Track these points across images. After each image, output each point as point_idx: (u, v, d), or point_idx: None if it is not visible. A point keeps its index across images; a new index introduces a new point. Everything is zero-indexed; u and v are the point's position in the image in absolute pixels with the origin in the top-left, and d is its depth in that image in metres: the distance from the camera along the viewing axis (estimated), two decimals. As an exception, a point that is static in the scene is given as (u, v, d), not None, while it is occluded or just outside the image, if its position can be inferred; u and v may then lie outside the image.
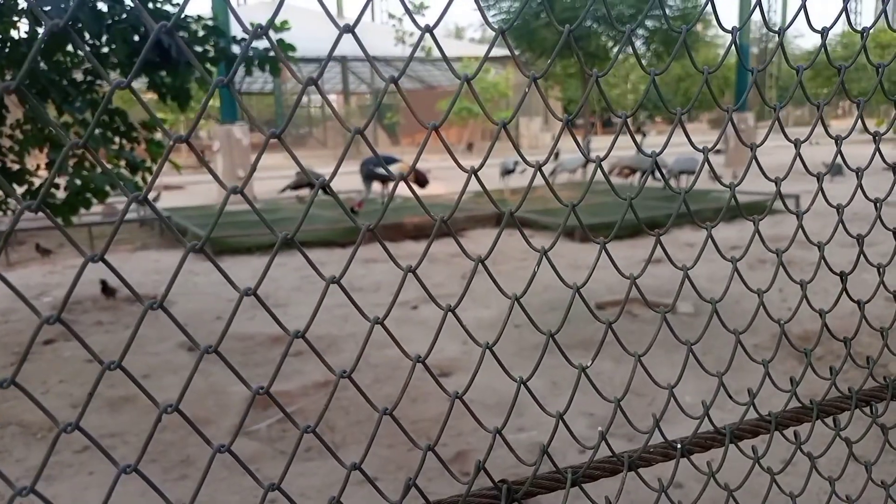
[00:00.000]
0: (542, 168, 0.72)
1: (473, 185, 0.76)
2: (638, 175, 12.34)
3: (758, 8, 0.83)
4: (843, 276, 0.95)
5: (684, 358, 0.86)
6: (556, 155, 13.37)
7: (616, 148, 0.93)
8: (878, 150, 0.90)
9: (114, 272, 0.57)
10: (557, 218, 8.60)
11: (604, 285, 5.34)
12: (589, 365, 0.85)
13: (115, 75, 5.09)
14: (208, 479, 2.82)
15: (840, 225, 0.90)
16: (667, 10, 17.70)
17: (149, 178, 5.30)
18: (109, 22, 4.58)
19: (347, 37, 0.61)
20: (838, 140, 0.90)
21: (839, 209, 0.92)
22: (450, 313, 0.74)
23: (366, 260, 7.14)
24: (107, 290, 5.69)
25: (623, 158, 12.35)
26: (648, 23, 18.44)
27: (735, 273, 0.84)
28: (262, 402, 3.69)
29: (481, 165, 0.65)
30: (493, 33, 0.70)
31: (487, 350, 0.78)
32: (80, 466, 3.02)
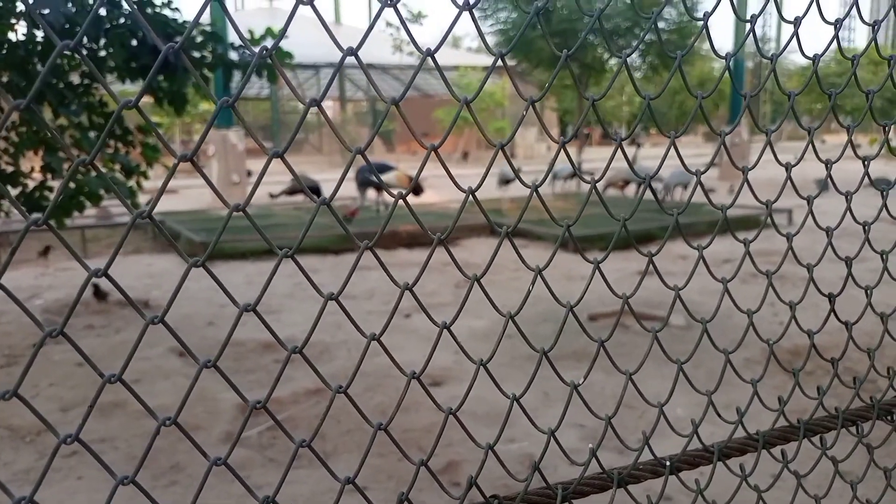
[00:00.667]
0: (538, 187, 0.74)
1: (480, 194, 0.77)
2: (633, 187, 12.40)
3: (752, 34, 0.85)
4: (831, 298, 0.97)
5: (675, 376, 0.87)
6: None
7: (615, 159, 0.95)
8: (867, 174, 0.92)
9: (117, 287, 0.58)
10: (551, 229, 8.61)
11: (596, 297, 5.35)
12: (581, 383, 0.86)
13: (110, 79, 5.11)
14: (196, 487, 2.80)
15: (829, 246, 0.92)
16: (663, 24, 17.80)
17: (143, 182, 5.30)
18: (107, 26, 4.59)
19: (343, 44, 0.62)
20: (828, 164, 0.92)
21: (829, 232, 0.94)
22: (428, 325, 0.75)
23: (360, 267, 7.12)
24: (98, 293, 5.67)
25: (620, 171, 12.40)
26: (646, 35, 18.48)
27: (725, 292, 0.86)
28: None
29: (479, 186, 0.67)
30: (480, 37, 0.72)
31: (483, 368, 0.79)
32: (69, 471, 3.00)
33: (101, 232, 9.60)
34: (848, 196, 0.91)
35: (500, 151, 0.67)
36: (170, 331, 0.63)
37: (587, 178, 0.83)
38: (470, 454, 3.15)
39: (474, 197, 0.67)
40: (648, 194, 0.92)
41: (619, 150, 0.79)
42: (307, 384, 3.92)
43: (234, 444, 0.64)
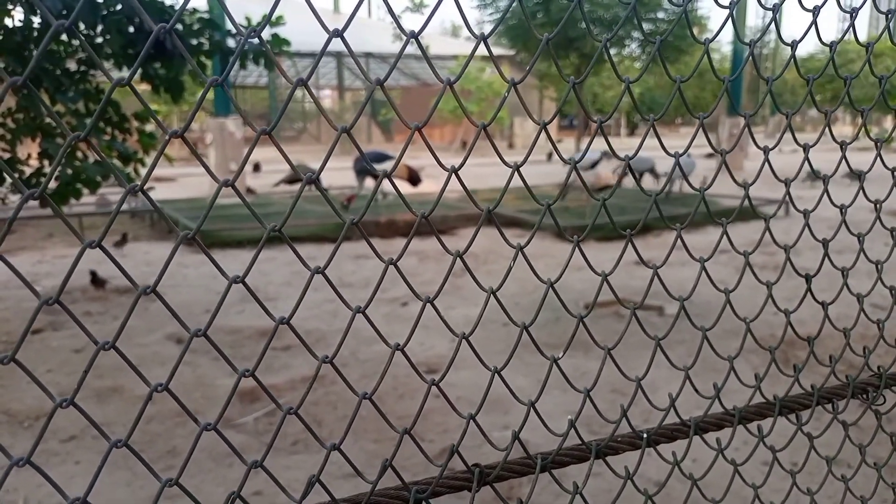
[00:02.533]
0: (520, 166, 0.76)
1: (477, 184, 0.79)
2: (638, 175, 12.39)
3: (748, 24, 0.86)
4: (808, 279, 0.99)
5: (652, 352, 0.90)
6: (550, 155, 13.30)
7: (624, 148, 0.96)
8: (844, 157, 0.94)
9: (110, 258, 0.60)
10: (547, 217, 8.62)
11: (594, 285, 5.38)
12: (560, 356, 0.89)
13: (108, 66, 5.10)
14: (195, 471, 2.82)
15: (807, 227, 0.95)
16: (662, 14, 17.77)
17: (140, 169, 5.30)
18: (105, 12, 4.58)
19: (345, 32, 0.63)
20: (806, 148, 0.94)
21: (806, 214, 0.96)
22: (430, 305, 0.77)
23: (357, 256, 7.17)
24: (96, 280, 5.69)
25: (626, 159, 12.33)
26: (644, 25, 18.49)
27: (703, 272, 0.88)
28: (249, 395, 3.71)
29: (461, 165, 0.69)
30: (489, 30, 0.74)
31: (465, 340, 0.81)
32: (67, 455, 3.03)
33: (99, 219, 9.60)
34: (825, 181, 0.93)
35: (483, 132, 0.69)
36: (162, 301, 0.65)
37: (567, 160, 0.85)
38: (467, 440, 3.19)
39: (457, 176, 0.69)
40: (651, 185, 0.94)
41: (605, 130, 0.80)
42: (304, 371, 3.95)
43: (225, 408, 0.66)
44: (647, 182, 11.47)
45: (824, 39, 0.95)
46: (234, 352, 4.37)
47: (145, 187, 0.66)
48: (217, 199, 0.66)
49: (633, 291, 5.15)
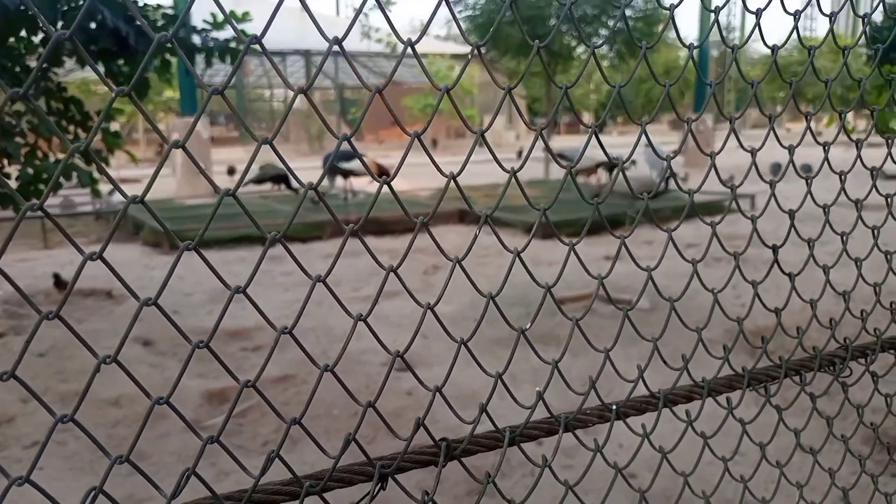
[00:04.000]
0: (517, 173, 0.75)
1: (435, 182, 0.78)
2: (603, 173, 12.46)
3: (716, 26, 0.86)
4: (775, 249, 0.99)
5: (619, 325, 0.89)
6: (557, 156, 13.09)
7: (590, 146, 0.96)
8: (809, 128, 0.95)
9: (55, 223, 0.57)
10: (520, 216, 8.67)
11: (565, 282, 5.39)
12: (528, 327, 0.88)
13: (69, 63, 4.99)
14: (163, 474, 2.75)
15: (792, 228, 0.95)
16: (629, 12, 17.97)
17: (105, 169, 5.19)
18: (65, 8, 4.48)
19: (310, 30, 0.61)
20: (771, 118, 0.94)
21: (772, 184, 0.96)
22: (394, 275, 0.76)
23: (327, 255, 7.13)
24: (60, 283, 5.56)
25: (587, 157, 12.40)
26: (611, 23, 18.68)
27: (694, 273, 0.88)
28: (218, 396, 3.65)
29: (460, 171, 0.68)
30: (458, 29, 0.73)
31: (430, 311, 0.80)
32: (28, 462, 2.95)
33: (64, 221, 9.38)
34: (808, 180, 0.93)
35: (481, 138, 0.67)
36: (106, 264, 0.62)
37: (564, 164, 0.85)
38: (440, 427, 3.17)
39: (456, 182, 0.68)
40: (620, 179, 0.94)
41: (589, 132, 0.80)
42: (274, 372, 3.90)
43: (181, 373, 0.63)
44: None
45: (783, 32, 0.96)
46: (202, 351, 4.30)
47: (105, 191, 0.64)
48: (183, 200, 0.64)
49: (607, 285, 5.18)
